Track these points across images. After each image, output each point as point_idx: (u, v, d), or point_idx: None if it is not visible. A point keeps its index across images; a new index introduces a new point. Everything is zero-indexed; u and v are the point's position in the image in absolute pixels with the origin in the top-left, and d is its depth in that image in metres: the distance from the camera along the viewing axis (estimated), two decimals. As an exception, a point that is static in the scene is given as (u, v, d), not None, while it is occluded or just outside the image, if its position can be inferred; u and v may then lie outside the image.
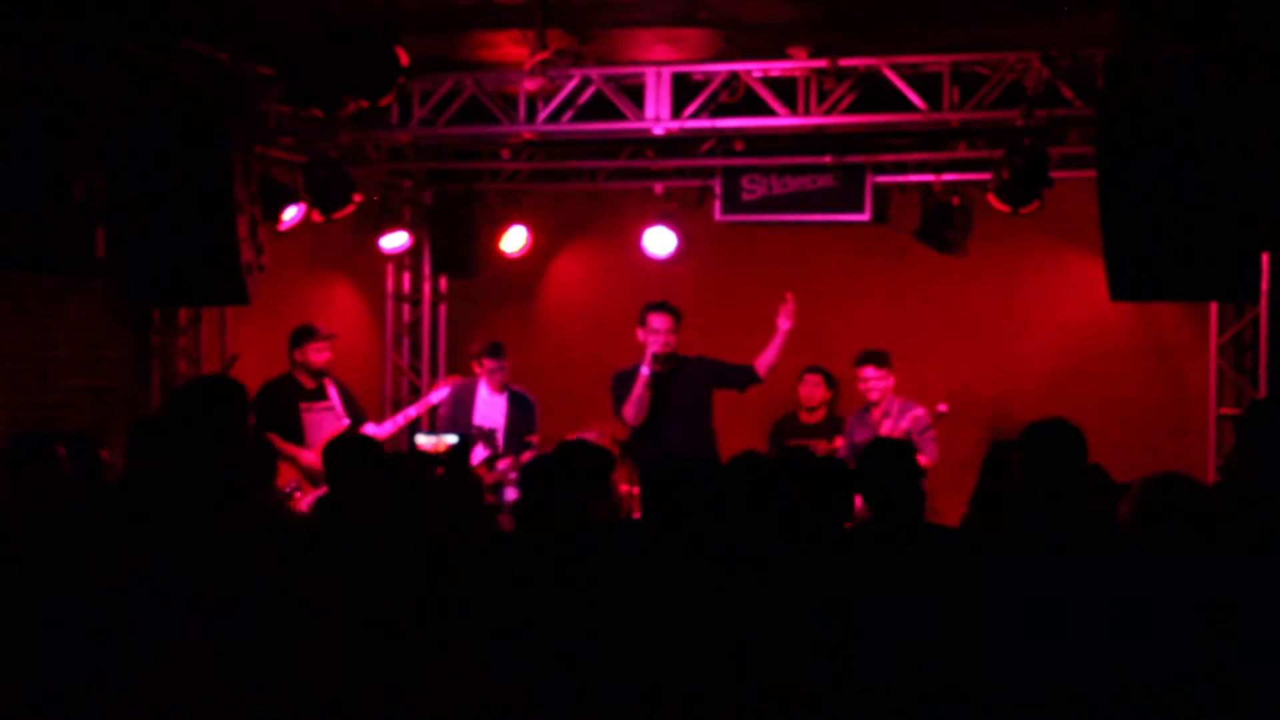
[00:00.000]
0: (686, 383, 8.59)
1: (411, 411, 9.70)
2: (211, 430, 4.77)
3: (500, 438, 9.40)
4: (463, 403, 9.54)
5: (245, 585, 4.48)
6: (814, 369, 10.13)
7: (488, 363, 9.52)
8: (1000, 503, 5.74)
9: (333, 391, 9.17)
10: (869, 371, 9.32)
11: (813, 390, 10.14)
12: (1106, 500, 5.13)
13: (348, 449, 6.03)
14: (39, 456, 5.24)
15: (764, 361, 8.60)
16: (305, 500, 8.26)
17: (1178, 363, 10.53)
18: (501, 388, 9.54)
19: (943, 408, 8.98)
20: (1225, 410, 9.80)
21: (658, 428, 8.49)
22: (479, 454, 9.15)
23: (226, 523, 4.75)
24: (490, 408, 9.52)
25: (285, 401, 8.95)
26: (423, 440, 9.15)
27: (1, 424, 7.83)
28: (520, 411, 9.53)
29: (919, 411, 9.07)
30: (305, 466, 8.58)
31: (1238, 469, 5.51)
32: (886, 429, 9.07)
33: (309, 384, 9.09)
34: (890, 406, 9.24)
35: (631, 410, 8.47)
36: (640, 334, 8.54)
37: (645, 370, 8.40)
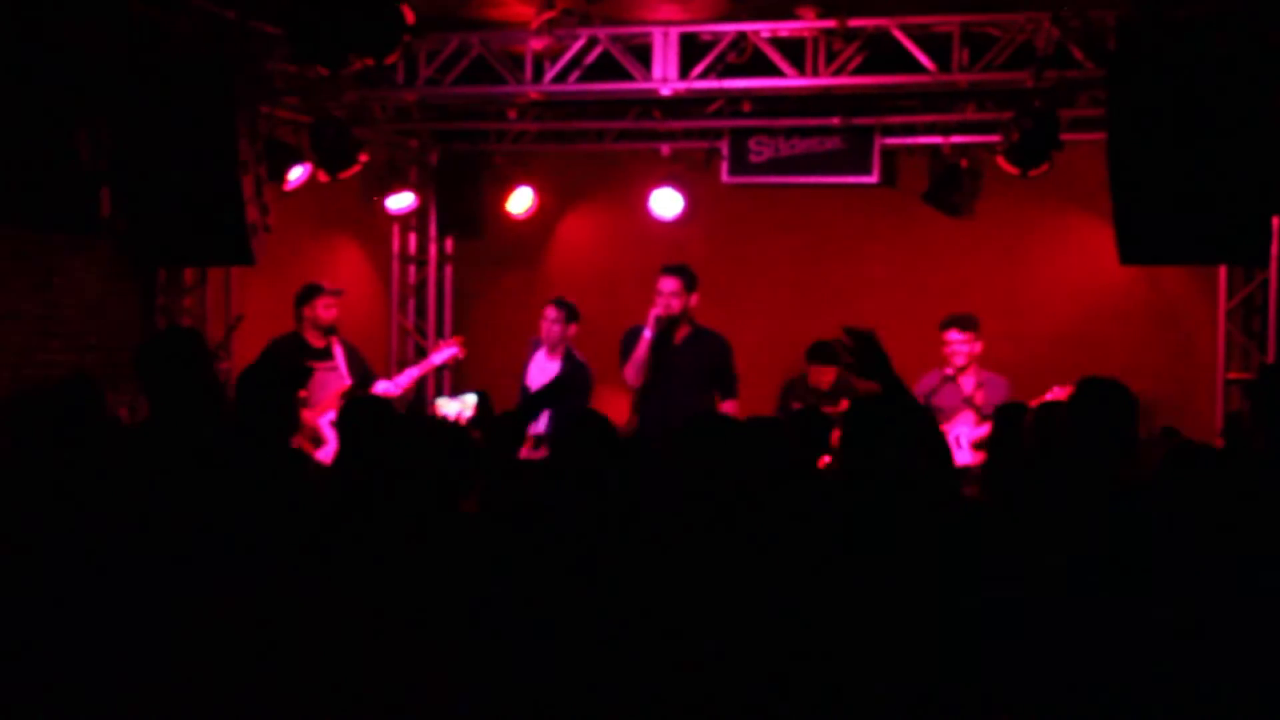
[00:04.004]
0: (696, 353, 8.42)
1: (414, 372, 9.61)
2: (180, 381, 4.80)
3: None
4: (526, 362, 9.25)
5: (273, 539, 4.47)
6: (819, 358, 10.05)
7: (547, 310, 9.16)
8: (1013, 464, 5.74)
9: (339, 352, 9.14)
10: (952, 335, 9.02)
11: (820, 376, 10.13)
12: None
13: (362, 409, 6.06)
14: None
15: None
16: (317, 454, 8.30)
17: (1186, 327, 10.50)
18: (557, 349, 9.18)
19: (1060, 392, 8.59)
20: (1233, 374, 9.78)
21: (659, 390, 8.37)
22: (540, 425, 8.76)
23: (256, 471, 4.76)
24: (542, 371, 9.18)
25: (293, 358, 8.90)
26: (445, 405, 8.96)
27: (5, 382, 7.83)
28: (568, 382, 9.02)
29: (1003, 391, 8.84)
30: (305, 424, 8.56)
31: (1249, 433, 5.48)
32: (982, 400, 8.95)
33: (317, 343, 9.05)
34: (982, 377, 9.03)
35: (632, 371, 8.37)
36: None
37: (647, 333, 8.32)
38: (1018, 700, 4.14)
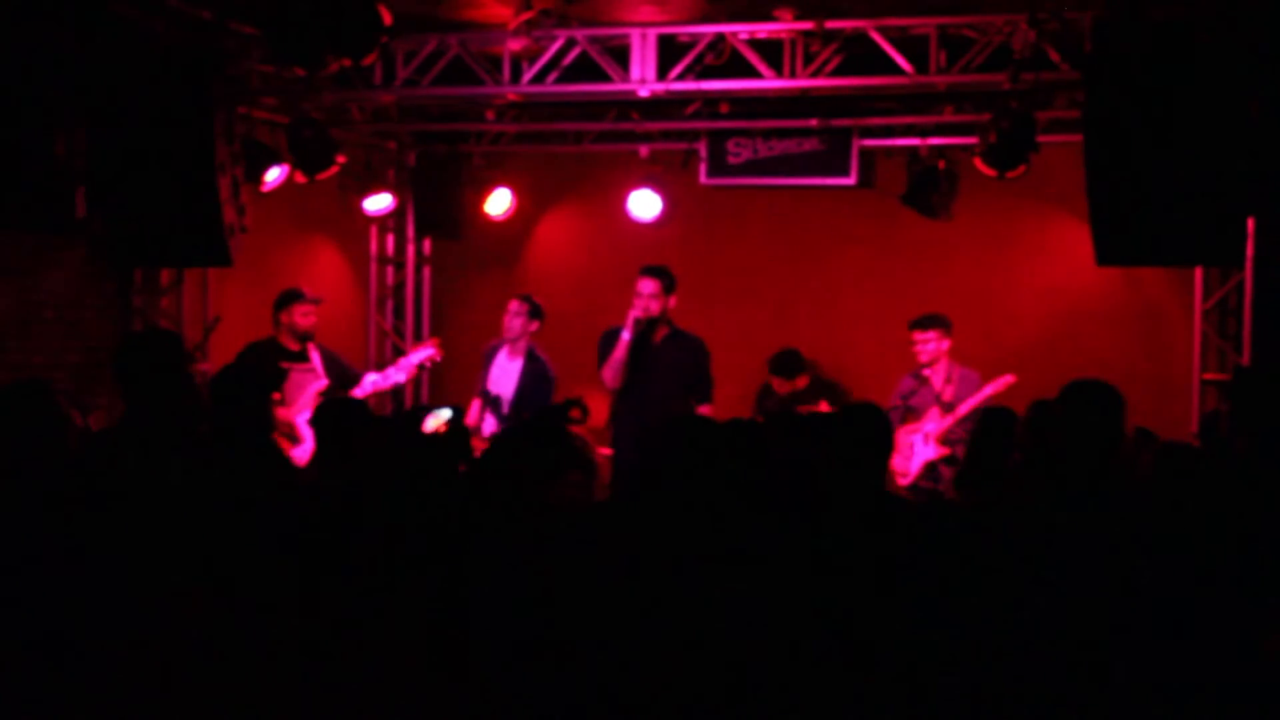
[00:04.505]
0: (674, 355, 8.39)
1: (391, 372, 9.56)
2: (158, 380, 4.80)
3: (506, 408, 8.97)
4: (487, 361, 9.21)
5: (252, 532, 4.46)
6: (779, 371, 10.17)
7: (511, 303, 9.10)
8: (994, 467, 5.76)
9: (315, 355, 9.10)
10: (916, 335, 9.23)
11: (780, 387, 10.21)
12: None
13: (336, 411, 6.05)
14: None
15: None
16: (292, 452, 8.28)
17: (1162, 327, 10.54)
18: (518, 346, 9.08)
19: (1011, 379, 8.85)
20: (1209, 375, 9.81)
21: (637, 392, 8.34)
22: (488, 426, 8.79)
23: (230, 474, 4.75)
24: (504, 372, 9.10)
25: (267, 361, 8.87)
26: (430, 421, 8.94)
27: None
28: (531, 382, 8.99)
29: (974, 378, 9.06)
30: (281, 421, 8.51)
31: (1229, 434, 5.51)
32: (949, 395, 9.02)
33: (292, 346, 9.03)
34: (953, 373, 9.16)
35: (610, 373, 8.34)
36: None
37: (625, 334, 8.29)
38: (1011, 699, 4.15)
